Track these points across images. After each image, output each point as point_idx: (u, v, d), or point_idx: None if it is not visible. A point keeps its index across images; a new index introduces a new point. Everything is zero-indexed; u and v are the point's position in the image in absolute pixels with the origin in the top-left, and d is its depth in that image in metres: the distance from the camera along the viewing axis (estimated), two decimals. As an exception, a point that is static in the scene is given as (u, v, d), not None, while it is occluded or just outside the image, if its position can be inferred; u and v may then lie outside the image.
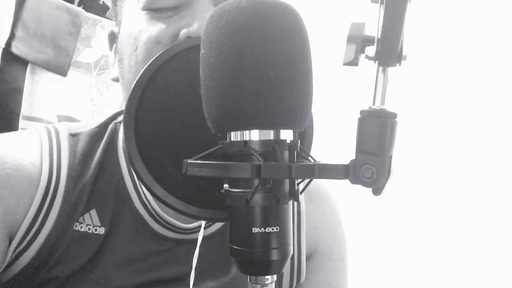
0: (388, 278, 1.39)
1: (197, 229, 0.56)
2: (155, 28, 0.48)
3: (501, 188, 1.31)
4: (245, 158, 0.32)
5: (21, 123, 0.90)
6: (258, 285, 0.33)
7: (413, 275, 1.38)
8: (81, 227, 0.53)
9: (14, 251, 0.50)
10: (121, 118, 0.59)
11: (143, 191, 0.55)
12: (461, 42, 1.33)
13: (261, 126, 0.31)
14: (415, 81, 1.32)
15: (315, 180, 0.67)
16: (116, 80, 0.57)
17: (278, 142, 0.32)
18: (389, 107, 0.29)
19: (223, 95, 0.31)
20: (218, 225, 0.58)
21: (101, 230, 0.53)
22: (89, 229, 0.53)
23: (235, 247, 0.33)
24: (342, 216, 0.68)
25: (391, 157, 0.29)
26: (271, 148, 0.31)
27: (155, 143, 0.39)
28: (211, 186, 0.38)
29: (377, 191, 0.29)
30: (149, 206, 0.55)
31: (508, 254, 1.29)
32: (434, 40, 1.34)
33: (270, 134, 0.32)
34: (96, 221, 0.53)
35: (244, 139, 0.32)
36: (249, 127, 0.32)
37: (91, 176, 0.54)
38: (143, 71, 0.40)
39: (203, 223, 0.52)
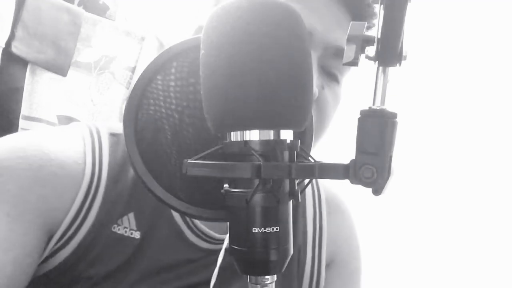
0: (388, 278, 1.39)
1: None
2: None
3: (501, 188, 1.31)
4: (245, 158, 0.32)
5: (21, 123, 0.90)
6: (258, 285, 0.33)
7: (414, 276, 1.38)
8: (118, 229, 0.52)
9: (52, 248, 0.50)
10: None
11: None
12: (461, 42, 1.33)
13: (261, 126, 0.31)
14: (415, 81, 1.32)
15: (336, 195, 0.69)
16: None
17: (278, 142, 0.32)
18: (389, 107, 0.29)
19: (223, 95, 0.31)
20: None
21: (137, 234, 0.52)
22: (125, 232, 0.52)
23: (235, 247, 0.33)
24: (358, 231, 0.71)
25: (391, 157, 0.29)
26: (271, 148, 0.31)
27: (155, 143, 0.39)
28: (211, 186, 0.38)
29: (377, 191, 0.29)
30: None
31: (508, 254, 1.29)
32: (434, 40, 1.34)
33: (270, 134, 0.32)
34: (133, 224, 0.53)
35: (244, 139, 0.32)
36: (249, 127, 0.31)
37: (131, 178, 0.53)
38: (143, 71, 0.40)
39: (226, 240, 0.51)
